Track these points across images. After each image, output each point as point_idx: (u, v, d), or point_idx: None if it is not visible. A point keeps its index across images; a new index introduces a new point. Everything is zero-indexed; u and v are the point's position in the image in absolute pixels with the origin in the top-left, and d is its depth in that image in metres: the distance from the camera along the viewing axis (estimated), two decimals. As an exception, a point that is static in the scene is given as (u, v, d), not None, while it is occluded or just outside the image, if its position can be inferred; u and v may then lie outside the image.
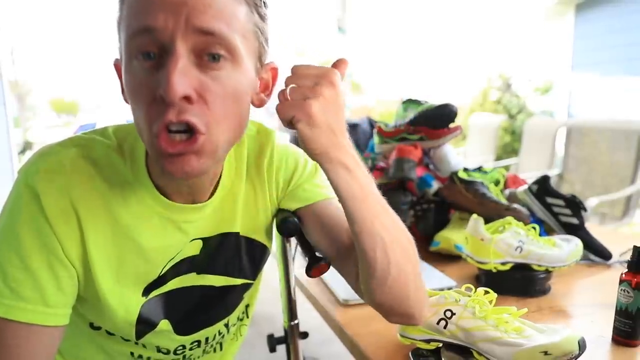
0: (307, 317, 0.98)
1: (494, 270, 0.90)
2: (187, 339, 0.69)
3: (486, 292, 0.67)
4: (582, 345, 0.59)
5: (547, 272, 0.91)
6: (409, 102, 1.34)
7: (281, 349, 0.82)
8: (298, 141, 0.51)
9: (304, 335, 0.81)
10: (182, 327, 0.67)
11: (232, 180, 0.65)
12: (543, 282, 0.91)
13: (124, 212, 0.57)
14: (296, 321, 0.81)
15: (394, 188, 1.27)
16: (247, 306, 0.78)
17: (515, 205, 1.07)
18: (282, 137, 0.72)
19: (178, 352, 0.70)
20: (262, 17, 0.55)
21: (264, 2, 0.55)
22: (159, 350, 0.68)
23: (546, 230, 1.15)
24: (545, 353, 0.59)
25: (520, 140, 3.69)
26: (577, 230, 1.10)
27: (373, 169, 1.36)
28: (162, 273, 0.62)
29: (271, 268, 0.81)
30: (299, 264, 0.82)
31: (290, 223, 0.66)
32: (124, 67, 0.51)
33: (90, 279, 0.57)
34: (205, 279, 0.67)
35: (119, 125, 0.62)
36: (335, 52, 4.76)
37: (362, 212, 0.54)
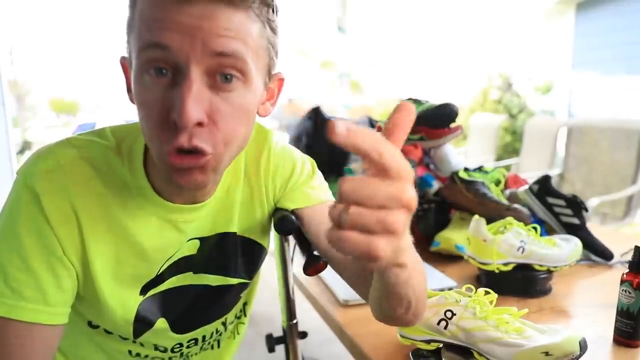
0: (307, 317, 0.98)
1: (497, 271, 0.89)
2: (184, 337, 0.69)
3: (487, 293, 0.67)
4: (583, 346, 0.59)
5: (549, 272, 0.91)
6: (409, 102, 1.34)
7: (280, 349, 0.82)
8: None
9: (303, 335, 0.81)
10: (179, 326, 0.67)
11: (229, 181, 0.65)
12: (544, 282, 0.91)
13: (122, 212, 0.58)
14: (295, 321, 0.80)
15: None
16: (244, 304, 0.78)
17: (516, 206, 1.07)
18: (280, 138, 0.72)
19: (175, 350, 0.70)
20: (274, 31, 0.54)
21: (275, 12, 0.54)
22: (156, 348, 0.68)
23: (547, 231, 1.15)
24: (546, 354, 0.58)
25: (521, 140, 3.69)
26: (578, 230, 1.09)
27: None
28: (160, 272, 0.63)
29: (270, 267, 0.80)
30: (297, 263, 0.82)
31: (287, 221, 0.66)
32: (134, 76, 0.51)
33: (89, 278, 0.57)
34: (202, 279, 0.67)
35: (117, 125, 0.62)
36: (335, 52, 4.76)
37: (401, 291, 0.50)
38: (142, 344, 0.67)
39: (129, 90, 0.56)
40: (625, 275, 0.71)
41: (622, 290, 0.70)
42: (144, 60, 0.48)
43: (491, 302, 0.66)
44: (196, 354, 0.74)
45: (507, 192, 1.25)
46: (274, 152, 0.68)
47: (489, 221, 0.95)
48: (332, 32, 4.53)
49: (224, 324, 0.73)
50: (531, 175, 1.71)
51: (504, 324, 0.63)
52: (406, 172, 0.35)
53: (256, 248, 0.71)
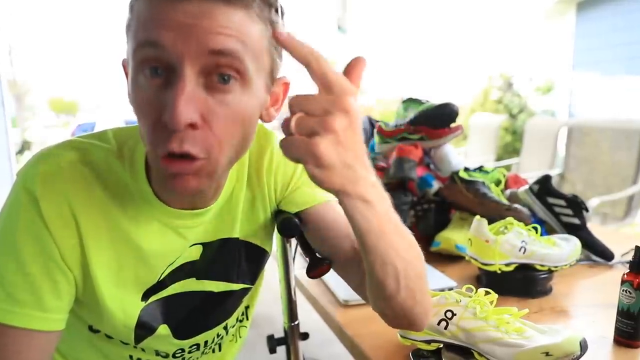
0: (308, 318, 0.98)
1: (499, 272, 0.89)
2: (186, 343, 0.69)
3: (487, 293, 0.67)
4: (583, 346, 0.59)
5: (550, 272, 0.91)
6: (410, 102, 1.34)
7: (281, 350, 0.82)
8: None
9: (304, 336, 0.81)
10: (181, 332, 0.67)
11: (233, 186, 0.65)
12: (544, 282, 0.91)
13: (123, 217, 0.57)
14: (296, 322, 0.80)
15: (394, 188, 1.27)
16: (246, 308, 0.77)
17: (516, 206, 1.07)
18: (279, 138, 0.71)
19: (177, 355, 0.69)
20: None
21: (280, 14, 0.52)
22: (157, 353, 0.68)
23: (547, 231, 1.15)
24: (547, 354, 0.58)
25: (521, 140, 3.69)
26: (579, 230, 1.09)
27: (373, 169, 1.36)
28: (162, 278, 0.62)
29: (272, 269, 0.80)
30: (299, 264, 0.82)
31: (290, 223, 0.66)
32: (130, 76, 0.50)
33: (90, 283, 0.57)
34: (205, 285, 0.66)
35: (118, 128, 0.62)
36: (335, 52, 4.75)
37: (378, 245, 0.49)
38: (143, 350, 0.66)
39: (130, 94, 0.55)
40: (625, 276, 0.71)
41: (623, 290, 0.70)
42: (138, 60, 0.47)
43: (491, 303, 0.66)
44: (197, 358, 0.74)
45: (507, 192, 1.25)
46: (275, 153, 0.67)
47: (489, 221, 0.95)
48: (332, 32, 4.53)
49: (225, 328, 0.73)
50: (531, 175, 1.70)
51: (505, 324, 0.63)
52: (349, 87, 0.41)
53: (259, 252, 0.70)
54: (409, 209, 1.24)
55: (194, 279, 0.65)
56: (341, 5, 4.45)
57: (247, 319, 0.79)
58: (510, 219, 0.94)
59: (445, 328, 0.65)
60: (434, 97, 1.32)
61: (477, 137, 4.17)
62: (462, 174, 1.18)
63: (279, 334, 0.82)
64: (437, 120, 1.25)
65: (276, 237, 0.76)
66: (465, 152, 4.17)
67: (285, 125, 0.41)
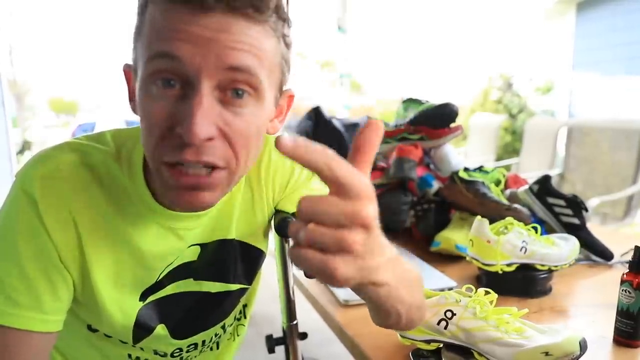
0: (307, 317, 0.98)
1: (500, 272, 0.89)
2: (183, 343, 0.69)
3: (487, 293, 0.67)
4: (583, 346, 0.59)
5: (550, 271, 0.91)
6: (410, 102, 1.34)
7: (280, 349, 0.82)
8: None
9: (303, 335, 0.81)
10: (178, 332, 0.67)
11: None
12: (544, 282, 0.91)
13: (121, 219, 0.57)
14: (295, 322, 0.80)
15: (394, 188, 1.27)
16: (244, 306, 0.78)
17: (516, 206, 1.07)
18: None
19: (175, 354, 0.70)
20: (287, 46, 0.53)
21: (290, 27, 0.52)
22: (156, 352, 0.68)
23: (547, 231, 1.15)
24: (546, 354, 0.58)
25: (521, 140, 3.69)
26: (579, 230, 1.09)
27: (373, 169, 1.36)
28: (159, 279, 0.62)
29: (270, 268, 0.80)
30: (298, 264, 0.82)
31: (288, 223, 0.65)
32: (139, 85, 0.49)
33: (88, 284, 0.57)
34: (202, 285, 0.66)
35: (116, 130, 0.61)
36: (335, 52, 4.75)
37: (385, 304, 0.48)
38: (142, 349, 0.67)
39: (131, 98, 0.54)
40: (625, 276, 0.71)
41: (622, 290, 0.70)
42: (152, 70, 0.46)
43: (491, 302, 0.66)
44: (195, 357, 0.74)
45: (507, 192, 1.25)
46: (273, 154, 0.68)
47: (489, 221, 0.95)
48: (332, 32, 4.53)
49: (223, 327, 0.73)
50: (531, 175, 1.71)
51: (504, 324, 0.63)
52: (366, 191, 0.34)
53: (255, 253, 0.70)
54: (409, 209, 1.24)
55: (192, 279, 0.65)
56: (341, 5, 4.45)
57: (245, 317, 0.79)
58: (510, 219, 0.94)
59: (445, 328, 0.65)
60: (434, 97, 1.32)
61: (477, 137, 4.17)
62: (462, 174, 1.18)
63: (277, 333, 0.82)
64: (437, 120, 1.25)
65: (274, 236, 0.76)
66: (465, 152, 4.17)
67: (295, 233, 0.34)
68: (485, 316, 0.64)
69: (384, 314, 0.51)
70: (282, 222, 0.66)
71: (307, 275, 0.64)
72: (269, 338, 0.81)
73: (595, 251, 1.07)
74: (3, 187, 0.56)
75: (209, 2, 0.44)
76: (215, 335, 0.73)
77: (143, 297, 0.62)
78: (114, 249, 0.57)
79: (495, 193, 1.15)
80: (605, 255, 1.07)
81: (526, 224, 0.95)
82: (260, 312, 2.20)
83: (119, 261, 0.58)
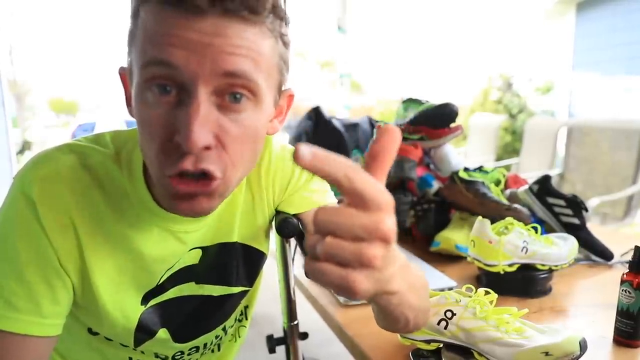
0: (307, 317, 0.98)
1: (502, 273, 0.89)
2: (185, 346, 0.69)
3: (487, 293, 0.67)
4: (583, 346, 0.59)
5: (550, 271, 0.91)
6: (410, 102, 1.34)
7: (281, 349, 0.82)
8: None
9: (304, 335, 0.81)
10: (180, 336, 0.67)
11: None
12: (544, 282, 0.91)
13: (122, 222, 0.56)
14: (296, 322, 0.80)
15: (394, 188, 1.27)
16: (245, 307, 0.77)
17: (516, 206, 1.07)
18: (280, 140, 0.71)
19: (176, 357, 0.70)
20: (286, 45, 0.52)
21: (287, 25, 0.51)
22: (157, 356, 0.68)
23: (547, 231, 1.15)
24: (546, 354, 0.58)
25: (521, 140, 3.69)
26: (579, 230, 1.09)
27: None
28: (161, 282, 0.62)
29: (271, 269, 0.80)
30: (298, 264, 0.82)
31: (289, 224, 0.66)
32: (135, 92, 0.48)
33: (89, 287, 0.56)
34: (204, 289, 0.66)
35: (116, 131, 0.61)
36: (335, 52, 4.75)
37: (394, 311, 0.48)
38: (142, 352, 0.66)
39: (128, 103, 0.53)
40: (625, 276, 0.71)
41: (622, 290, 0.70)
42: (147, 76, 0.45)
43: (491, 302, 0.66)
44: (197, 359, 0.74)
45: (507, 192, 1.25)
46: (274, 155, 0.67)
47: (490, 222, 0.95)
48: (332, 32, 4.53)
49: (224, 329, 0.73)
50: (531, 175, 1.71)
51: (504, 324, 0.63)
52: (385, 202, 0.33)
53: (257, 255, 0.70)
54: (409, 209, 1.24)
55: (193, 283, 0.65)
56: (341, 5, 4.45)
57: (247, 318, 0.79)
58: (510, 219, 0.94)
59: (445, 328, 0.65)
60: (434, 97, 1.32)
61: (477, 137, 4.17)
62: (462, 174, 1.18)
63: (278, 333, 0.82)
64: (437, 120, 1.25)
65: (275, 237, 0.76)
66: (465, 152, 4.17)
67: (312, 247, 0.33)
68: (485, 316, 0.64)
69: (392, 320, 0.51)
70: (283, 223, 0.66)
71: (308, 276, 0.64)
72: (269, 338, 0.81)
73: (595, 251, 1.07)
74: (3, 187, 0.55)
75: (203, 6, 0.42)
76: (217, 337, 0.73)
77: (145, 300, 0.61)
78: (114, 252, 0.57)
79: (495, 193, 1.15)
80: (605, 255, 1.07)
81: (526, 224, 0.95)
82: (261, 312, 2.20)
83: (120, 264, 0.57)
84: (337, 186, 0.32)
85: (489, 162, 3.77)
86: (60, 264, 0.54)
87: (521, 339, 0.61)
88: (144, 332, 0.63)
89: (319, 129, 1.63)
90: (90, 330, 0.63)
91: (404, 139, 1.30)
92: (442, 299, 0.67)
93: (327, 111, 1.69)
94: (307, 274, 0.34)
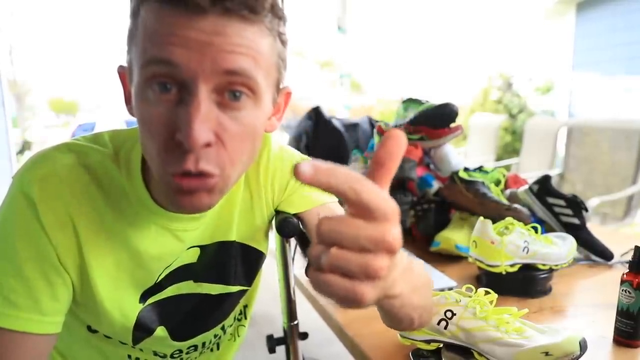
0: (307, 317, 0.98)
1: (504, 273, 0.89)
2: (183, 345, 0.69)
3: (487, 293, 0.67)
4: (583, 346, 0.59)
5: (551, 271, 0.91)
6: (410, 102, 1.34)
7: (281, 349, 0.82)
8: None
9: (304, 335, 0.81)
10: (178, 334, 0.67)
11: (230, 189, 0.65)
12: (544, 282, 0.91)
13: (120, 220, 0.57)
14: (296, 322, 0.80)
15: (394, 188, 1.27)
16: (245, 307, 0.78)
17: (516, 205, 1.07)
18: (279, 140, 0.71)
19: (175, 355, 0.70)
20: (284, 44, 0.53)
21: (285, 24, 0.52)
22: (155, 354, 0.68)
23: (547, 231, 1.15)
24: (546, 354, 0.58)
25: (521, 140, 3.69)
26: (579, 230, 1.09)
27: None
28: (159, 280, 0.62)
29: (271, 268, 0.80)
30: (298, 264, 0.82)
31: (289, 224, 0.66)
32: (135, 91, 0.48)
33: (88, 285, 0.57)
34: (202, 287, 0.66)
35: (115, 131, 0.61)
36: (335, 52, 4.75)
37: (398, 313, 0.49)
38: (141, 350, 0.67)
39: (127, 101, 0.54)
40: (625, 276, 0.71)
41: (622, 290, 0.70)
42: (147, 75, 0.46)
43: (491, 302, 0.66)
44: (196, 358, 0.74)
45: (507, 192, 1.25)
46: (272, 155, 0.67)
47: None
48: (332, 32, 4.53)
49: (223, 328, 0.73)
50: (531, 175, 1.71)
51: (504, 324, 0.63)
52: (391, 212, 0.32)
53: (255, 254, 0.70)
54: (409, 209, 1.24)
55: (192, 281, 0.65)
56: (341, 5, 4.45)
57: (246, 318, 0.79)
58: (510, 219, 0.94)
59: (445, 328, 0.65)
60: (434, 97, 1.32)
61: (477, 137, 4.17)
62: (462, 174, 1.18)
63: (278, 333, 0.82)
64: (437, 120, 1.25)
65: (275, 237, 0.76)
66: (465, 152, 4.17)
67: (316, 258, 0.33)
68: (485, 316, 0.64)
69: (397, 320, 0.52)
70: (283, 223, 0.66)
71: (314, 288, 0.64)
72: (269, 338, 0.81)
73: (595, 251, 1.07)
74: (3, 187, 0.56)
75: (203, 5, 0.43)
76: (215, 336, 0.73)
77: (143, 298, 0.61)
78: (113, 250, 0.57)
79: (495, 193, 1.15)
80: (605, 255, 1.07)
81: (526, 224, 0.95)
82: (260, 312, 2.20)
83: (118, 262, 0.58)
84: (343, 198, 0.31)
85: (489, 162, 3.77)
86: (60, 261, 0.54)
87: (521, 339, 0.61)
88: (142, 330, 0.63)
89: (319, 129, 1.63)
90: (89, 328, 0.63)
91: (404, 139, 1.30)
92: (442, 299, 0.67)
93: (327, 111, 1.69)
94: (311, 283, 0.33)
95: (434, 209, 1.22)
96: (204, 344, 0.72)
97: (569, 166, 2.87)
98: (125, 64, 0.52)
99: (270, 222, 0.71)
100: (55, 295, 0.54)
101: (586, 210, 1.12)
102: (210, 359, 0.78)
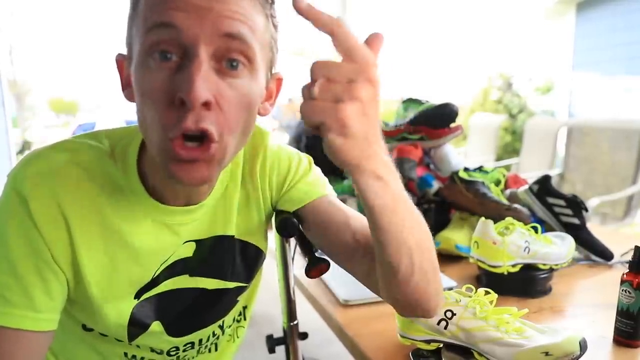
0: (307, 317, 0.98)
1: (506, 273, 0.89)
2: (180, 341, 0.68)
3: (487, 293, 0.67)
4: (583, 346, 0.59)
5: (551, 270, 0.91)
6: (410, 102, 1.34)
7: (280, 349, 0.82)
8: (323, 150, 0.44)
9: (304, 335, 0.81)
10: (174, 329, 0.67)
11: (227, 183, 0.65)
12: (544, 282, 0.91)
13: (115, 216, 0.57)
14: (295, 322, 0.80)
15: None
16: (244, 307, 0.77)
17: (516, 205, 1.07)
18: (278, 138, 0.71)
19: (172, 352, 0.69)
20: (275, 28, 0.55)
21: (273, 7, 0.55)
22: (152, 350, 0.68)
23: (547, 231, 1.15)
24: (546, 354, 0.58)
25: (521, 140, 3.69)
26: (579, 230, 1.09)
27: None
28: (155, 276, 0.62)
29: (271, 268, 0.80)
30: (298, 264, 0.82)
31: (289, 223, 0.66)
32: (136, 64, 0.49)
33: (81, 283, 0.57)
34: (198, 282, 0.66)
35: (112, 129, 0.62)
36: (335, 52, 4.75)
37: (392, 224, 0.48)
38: (138, 346, 0.66)
39: (124, 88, 0.55)
40: (625, 276, 0.71)
41: (622, 290, 0.70)
42: (149, 42, 0.47)
43: (491, 302, 0.66)
44: (193, 357, 0.73)
45: (507, 192, 1.25)
46: (269, 153, 0.68)
47: (489, 222, 0.95)
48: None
49: (221, 327, 0.73)
50: (531, 175, 1.71)
51: (504, 324, 0.63)
52: (371, 58, 0.41)
53: (254, 251, 0.70)
54: (408, 209, 1.24)
55: (187, 275, 0.65)
56: (341, 5, 4.46)
57: (245, 319, 0.79)
58: (510, 219, 0.94)
59: (445, 328, 0.65)
60: (434, 97, 1.32)
61: (477, 137, 4.17)
62: (462, 174, 1.18)
63: (278, 333, 0.82)
64: (437, 120, 1.25)
65: (275, 236, 0.76)
66: (465, 152, 4.16)
67: (307, 90, 0.41)
68: (485, 316, 0.64)
69: (394, 245, 0.50)
70: (282, 222, 0.66)
71: (309, 276, 0.64)
72: (269, 338, 0.81)
73: (595, 251, 1.07)
74: (3, 187, 0.56)
75: None
76: (213, 335, 0.73)
77: (138, 294, 0.62)
78: (108, 247, 0.57)
79: (495, 193, 1.15)
80: (605, 255, 1.07)
81: (526, 224, 0.95)
82: (260, 312, 2.20)
83: (114, 259, 0.58)
84: (331, 36, 0.41)
85: (489, 162, 3.76)
86: (53, 258, 0.54)
87: (521, 339, 0.61)
88: (137, 326, 0.63)
89: (319, 129, 1.63)
90: (84, 327, 0.63)
91: (404, 139, 1.30)
92: (442, 299, 0.67)
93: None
94: (302, 114, 0.41)
95: (434, 209, 1.22)
96: (200, 340, 0.71)
97: (569, 166, 2.87)
98: (124, 53, 0.53)
99: (268, 220, 0.71)
100: (49, 292, 0.54)
101: (586, 210, 1.12)
102: None
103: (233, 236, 0.66)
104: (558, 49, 6.47)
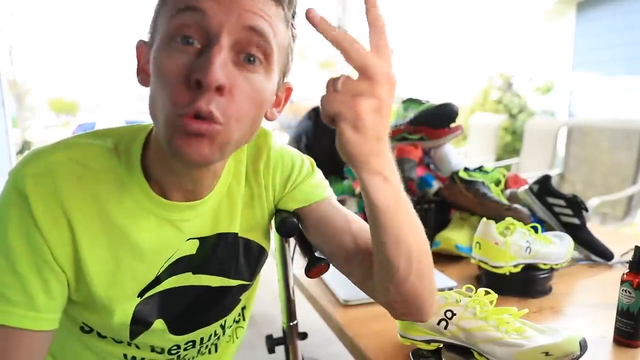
0: (306, 317, 0.98)
1: (508, 274, 0.89)
2: (181, 339, 0.68)
3: (487, 293, 0.67)
4: (583, 346, 0.59)
5: (551, 270, 0.91)
6: (410, 102, 1.34)
7: (280, 349, 0.82)
8: (335, 145, 0.46)
9: (303, 335, 0.81)
10: (176, 327, 0.67)
11: (230, 181, 0.65)
12: (544, 282, 0.91)
13: (118, 213, 0.57)
14: (295, 322, 0.80)
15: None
16: (243, 308, 0.77)
17: (516, 205, 1.07)
18: (280, 139, 0.71)
19: (172, 352, 0.69)
20: (294, 37, 0.57)
21: (294, 19, 0.56)
22: (152, 349, 0.68)
23: (547, 231, 1.15)
24: (547, 354, 0.58)
25: (521, 140, 3.69)
26: (579, 230, 1.09)
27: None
28: (159, 273, 0.62)
29: (271, 268, 0.80)
30: (298, 264, 0.82)
31: (289, 223, 0.66)
32: (157, 46, 0.51)
33: (84, 282, 0.56)
34: (201, 279, 0.66)
35: (114, 127, 0.62)
36: (335, 52, 4.75)
37: (393, 222, 0.50)
38: (137, 346, 0.66)
39: (138, 72, 0.56)
40: (625, 276, 0.71)
41: (622, 290, 0.70)
42: (175, 25, 0.49)
43: (491, 302, 0.66)
44: (193, 357, 0.73)
45: (507, 192, 1.25)
46: (273, 152, 0.68)
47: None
48: (332, 31, 4.53)
49: (222, 327, 0.73)
50: (531, 175, 1.71)
51: (504, 324, 0.63)
52: (385, 67, 0.45)
53: (258, 250, 0.70)
54: (408, 208, 1.24)
55: (190, 273, 0.65)
56: (341, 5, 4.46)
57: (244, 319, 0.79)
58: (510, 219, 0.94)
59: (445, 328, 0.65)
60: (434, 97, 1.32)
61: (477, 137, 4.17)
62: (462, 174, 1.18)
63: (277, 333, 0.82)
64: (437, 120, 1.25)
65: (275, 236, 0.76)
66: (465, 152, 4.16)
67: (332, 83, 0.45)
68: (485, 316, 0.64)
69: (392, 244, 0.51)
70: (282, 222, 0.66)
71: (309, 276, 0.64)
72: (269, 338, 0.81)
73: (595, 251, 1.07)
74: (3, 186, 0.56)
75: None
76: (214, 334, 0.73)
77: (141, 292, 0.61)
78: (112, 245, 0.57)
79: (495, 193, 1.15)
80: (605, 255, 1.07)
81: (526, 224, 0.95)
82: (260, 312, 2.20)
83: (117, 257, 0.57)
84: (342, 53, 0.44)
85: (489, 162, 3.77)
86: (54, 258, 0.54)
87: (521, 339, 0.61)
88: (139, 324, 0.63)
89: (318, 129, 1.63)
90: (82, 329, 0.63)
91: (404, 139, 1.30)
92: (442, 299, 0.67)
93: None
94: (322, 104, 0.45)
95: (434, 209, 1.22)
96: (202, 339, 0.71)
97: (569, 166, 2.87)
98: (146, 40, 0.55)
99: (270, 219, 0.71)
100: (49, 292, 0.54)
101: (586, 210, 1.12)
102: None
103: (237, 234, 0.66)
104: (558, 49, 6.47)
